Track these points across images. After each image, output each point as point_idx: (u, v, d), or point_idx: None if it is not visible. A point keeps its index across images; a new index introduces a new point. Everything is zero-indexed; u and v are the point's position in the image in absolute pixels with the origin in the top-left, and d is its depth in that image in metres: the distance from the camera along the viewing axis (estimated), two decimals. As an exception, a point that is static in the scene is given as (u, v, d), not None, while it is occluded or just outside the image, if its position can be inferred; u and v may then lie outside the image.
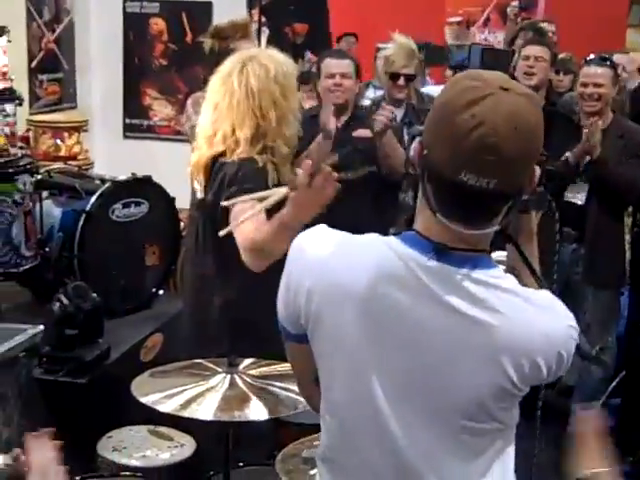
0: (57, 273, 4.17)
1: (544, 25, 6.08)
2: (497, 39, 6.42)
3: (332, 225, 1.70)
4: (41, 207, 4.15)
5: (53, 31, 6.54)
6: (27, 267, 4.07)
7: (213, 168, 2.94)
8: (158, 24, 6.95)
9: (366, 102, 5.13)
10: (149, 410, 2.52)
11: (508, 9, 6.40)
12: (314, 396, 1.78)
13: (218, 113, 2.92)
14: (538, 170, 1.62)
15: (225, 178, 2.87)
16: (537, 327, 1.58)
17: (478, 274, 1.56)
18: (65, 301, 3.49)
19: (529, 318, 1.57)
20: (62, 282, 3.94)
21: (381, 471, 1.66)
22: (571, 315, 1.64)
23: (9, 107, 3.99)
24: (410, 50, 4.64)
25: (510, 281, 1.61)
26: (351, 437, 1.68)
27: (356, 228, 1.68)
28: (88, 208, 4.17)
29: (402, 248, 1.57)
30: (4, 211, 3.94)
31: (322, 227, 1.70)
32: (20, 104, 4.14)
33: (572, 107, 4.88)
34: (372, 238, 1.63)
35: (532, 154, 1.53)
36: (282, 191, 2.45)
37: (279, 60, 2.97)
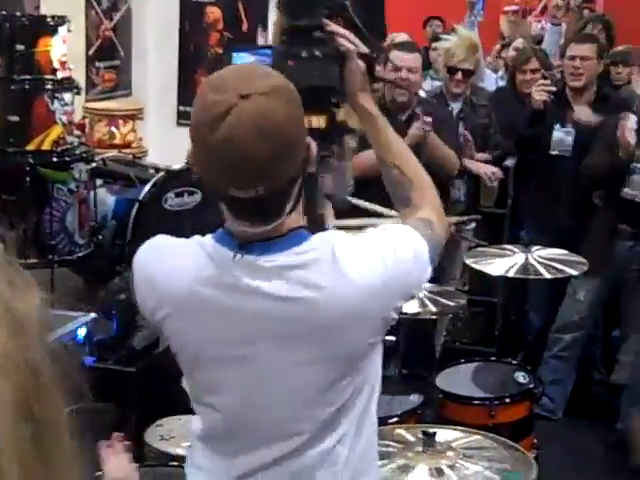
0: (109, 261, 4.22)
1: None
2: (559, 30, 6.31)
3: None
4: (95, 195, 4.20)
5: (111, 19, 6.60)
6: (80, 254, 4.12)
7: None
8: (214, 12, 6.96)
9: (421, 93, 5.05)
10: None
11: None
12: None
13: None
14: (313, 144, 1.61)
15: None
16: (353, 289, 1.58)
17: (278, 257, 1.58)
18: (119, 290, 3.53)
19: (340, 284, 1.58)
20: (114, 270, 3.98)
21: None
22: (394, 247, 1.63)
23: (67, 96, 4.04)
24: (471, 44, 4.53)
25: (316, 252, 1.60)
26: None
27: None
28: (141, 197, 4.22)
29: (214, 247, 1.63)
30: (59, 199, 3.99)
31: (156, 238, 1.74)
32: (78, 93, 4.19)
33: (630, 105, 4.77)
34: (189, 241, 1.68)
35: (290, 147, 1.53)
36: None
37: None
